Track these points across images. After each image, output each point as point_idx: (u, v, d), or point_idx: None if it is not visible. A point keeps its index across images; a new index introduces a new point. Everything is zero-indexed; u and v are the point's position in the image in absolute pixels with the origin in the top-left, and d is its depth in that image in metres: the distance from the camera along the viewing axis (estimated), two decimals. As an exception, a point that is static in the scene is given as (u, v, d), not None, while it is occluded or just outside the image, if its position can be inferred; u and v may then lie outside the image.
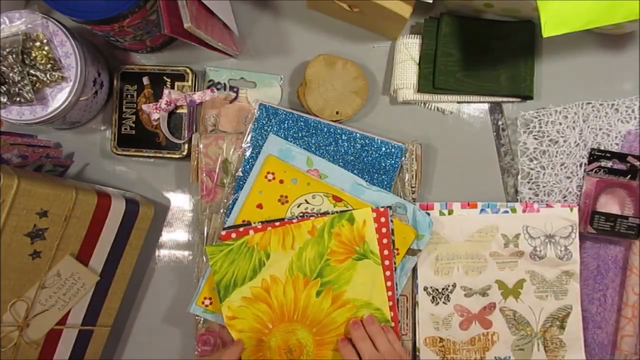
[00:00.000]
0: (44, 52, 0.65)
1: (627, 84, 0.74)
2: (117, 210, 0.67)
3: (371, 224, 0.68)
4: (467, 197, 0.74)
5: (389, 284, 0.69)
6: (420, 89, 0.73)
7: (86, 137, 0.78)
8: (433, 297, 0.73)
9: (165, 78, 0.75)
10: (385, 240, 0.68)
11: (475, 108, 0.76)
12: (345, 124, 0.73)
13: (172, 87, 0.75)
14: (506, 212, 0.72)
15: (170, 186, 0.77)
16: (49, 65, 0.65)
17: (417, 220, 0.70)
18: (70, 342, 0.68)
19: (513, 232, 0.72)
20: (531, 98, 0.73)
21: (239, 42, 0.76)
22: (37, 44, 0.65)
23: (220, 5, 0.69)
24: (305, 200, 0.70)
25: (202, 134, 0.73)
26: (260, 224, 0.69)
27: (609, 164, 0.72)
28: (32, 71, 0.65)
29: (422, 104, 0.75)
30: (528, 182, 0.74)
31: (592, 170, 0.72)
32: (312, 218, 0.68)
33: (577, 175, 0.73)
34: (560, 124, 0.73)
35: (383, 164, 0.72)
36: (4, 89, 0.64)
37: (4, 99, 0.65)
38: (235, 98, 0.76)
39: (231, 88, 0.76)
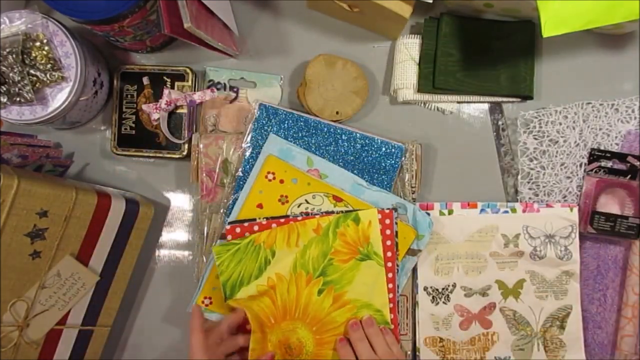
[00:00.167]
0: (44, 52, 0.65)
1: (627, 84, 0.74)
2: (117, 210, 0.67)
3: (376, 225, 0.68)
4: (467, 197, 0.74)
5: (390, 285, 0.69)
6: (420, 89, 0.73)
7: (86, 137, 0.78)
8: (433, 297, 0.73)
9: (165, 78, 0.75)
10: (389, 242, 0.68)
11: (475, 108, 0.76)
12: (345, 124, 0.73)
13: (172, 87, 0.75)
14: (506, 212, 0.72)
15: (170, 186, 0.77)
16: (49, 65, 0.65)
17: (417, 220, 0.70)
18: (70, 342, 0.68)
19: (513, 232, 0.72)
20: (531, 98, 0.73)
21: (239, 42, 0.76)
22: (37, 44, 0.65)
23: (220, 5, 0.69)
24: (306, 200, 0.70)
25: (202, 134, 0.73)
26: (265, 219, 0.69)
27: (609, 164, 0.72)
28: (32, 71, 0.65)
29: (422, 104, 0.75)
30: (528, 182, 0.74)
31: (592, 170, 0.72)
32: (317, 216, 0.68)
33: (577, 175, 0.73)
34: (560, 124, 0.73)
35: (383, 164, 0.72)
36: (4, 89, 0.64)
37: (4, 99, 0.65)
38: (235, 98, 0.76)
39: (231, 88, 0.76)
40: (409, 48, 0.74)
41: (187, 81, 0.75)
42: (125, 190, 0.74)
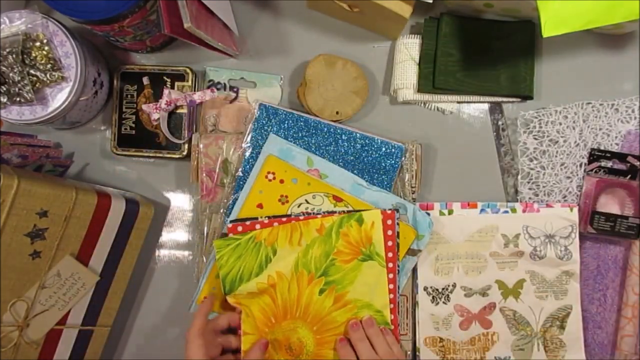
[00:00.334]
0: (44, 52, 0.65)
1: (627, 84, 0.74)
2: (117, 210, 0.67)
3: (379, 226, 0.68)
4: (467, 197, 0.74)
5: (391, 286, 0.69)
6: (420, 89, 0.73)
7: (86, 137, 0.78)
8: (433, 297, 0.73)
9: (165, 78, 0.75)
10: (390, 243, 0.68)
11: (475, 108, 0.76)
12: (345, 124, 0.73)
13: (172, 87, 0.75)
14: (506, 212, 0.72)
15: (170, 186, 0.77)
16: (49, 65, 0.65)
17: (417, 220, 0.70)
18: (70, 342, 0.68)
19: (513, 232, 0.72)
20: (531, 98, 0.73)
21: (239, 42, 0.76)
22: (37, 44, 0.65)
23: (220, 5, 0.69)
24: (306, 200, 0.70)
25: (202, 134, 0.73)
26: (266, 218, 0.69)
27: (609, 164, 0.72)
28: (32, 71, 0.65)
29: (422, 104, 0.75)
30: (528, 182, 0.74)
31: (592, 170, 0.72)
32: (319, 216, 0.68)
33: (577, 175, 0.73)
34: (560, 124, 0.73)
35: (383, 164, 0.72)
36: (4, 89, 0.64)
37: (4, 99, 0.65)
38: (235, 98, 0.76)
39: (231, 88, 0.76)
40: (409, 48, 0.74)
41: (187, 81, 0.75)
42: (125, 190, 0.74)
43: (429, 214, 0.71)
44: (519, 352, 0.73)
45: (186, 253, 0.77)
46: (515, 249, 0.72)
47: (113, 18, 0.63)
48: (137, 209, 0.70)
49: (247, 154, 0.71)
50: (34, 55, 0.65)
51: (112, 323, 0.72)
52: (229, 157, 0.72)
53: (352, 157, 0.72)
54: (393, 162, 0.72)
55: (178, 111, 0.75)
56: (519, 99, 0.74)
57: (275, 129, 0.72)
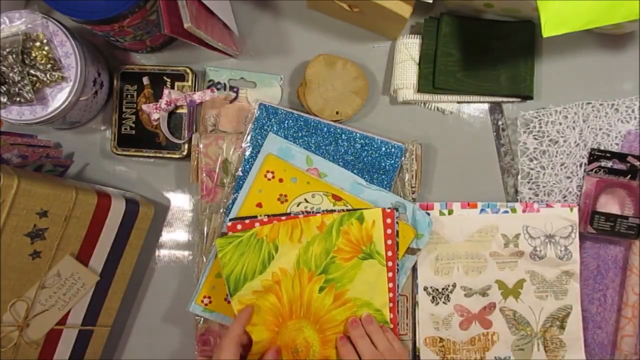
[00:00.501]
0: (44, 52, 0.65)
1: (627, 84, 0.74)
2: (117, 210, 0.68)
3: (380, 224, 0.68)
4: (467, 197, 0.74)
5: (390, 285, 0.69)
6: (420, 89, 0.73)
7: (86, 137, 0.78)
8: (433, 297, 0.73)
9: (165, 78, 0.75)
10: (389, 241, 0.68)
11: (475, 108, 0.76)
12: (345, 124, 0.73)
13: (172, 87, 0.75)
14: (506, 212, 0.72)
15: (170, 186, 0.77)
16: (49, 65, 0.65)
17: (417, 219, 0.70)
18: (70, 342, 0.68)
19: (513, 232, 0.72)
20: (531, 98, 0.73)
21: (239, 42, 0.76)
22: (37, 44, 0.65)
23: (220, 5, 0.69)
24: (305, 199, 0.70)
25: (202, 134, 0.73)
26: (266, 216, 0.69)
27: (609, 164, 0.72)
28: (32, 71, 0.65)
29: (422, 104, 0.75)
30: (528, 182, 0.74)
31: (592, 170, 0.72)
32: (319, 214, 0.68)
33: (577, 175, 0.73)
34: (560, 124, 0.73)
35: (383, 164, 0.72)
36: (4, 89, 0.64)
37: (4, 99, 0.65)
38: (235, 98, 0.76)
39: (231, 88, 0.76)
40: (409, 48, 0.74)
41: (187, 81, 0.75)
42: (125, 190, 0.74)
43: (428, 214, 0.71)
44: (519, 352, 0.73)
45: (186, 253, 0.77)
46: (515, 249, 0.72)
47: (113, 18, 0.63)
48: (137, 209, 0.70)
49: (247, 153, 0.71)
50: (34, 55, 0.65)
51: (112, 323, 0.72)
52: (229, 157, 0.72)
53: (352, 157, 0.72)
54: (393, 162, 0.72)
55: (178, 111, 0.75)
56: (519, 99, 0.74)
57: (275, 128, 0.72)
